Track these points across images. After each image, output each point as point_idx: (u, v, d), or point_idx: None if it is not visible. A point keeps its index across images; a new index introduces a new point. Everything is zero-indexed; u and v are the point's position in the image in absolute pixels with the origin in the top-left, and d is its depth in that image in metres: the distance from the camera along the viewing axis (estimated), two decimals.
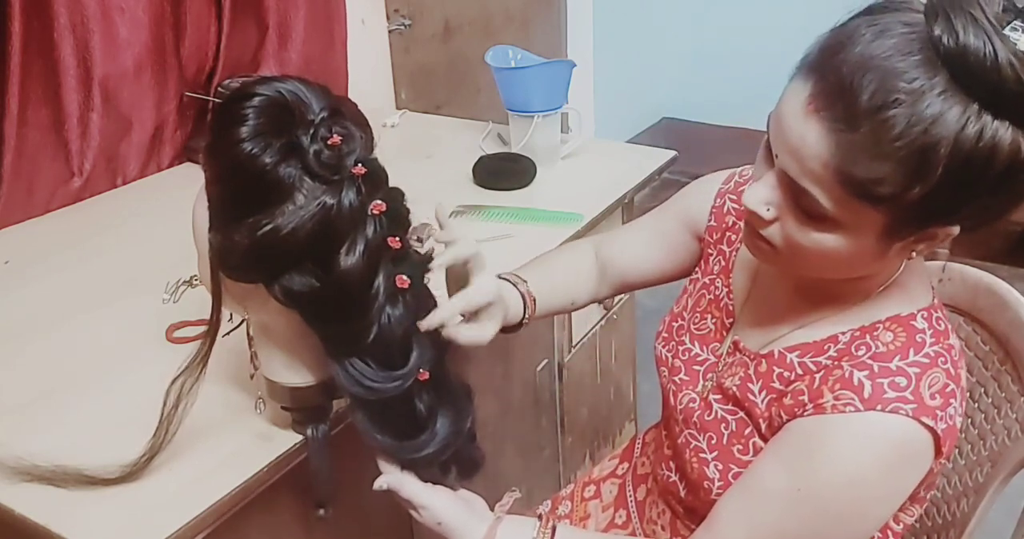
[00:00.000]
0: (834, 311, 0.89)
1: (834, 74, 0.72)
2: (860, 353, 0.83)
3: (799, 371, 0.88)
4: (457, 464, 0.96)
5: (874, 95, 0.70)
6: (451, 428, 0.92)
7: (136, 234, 1.54)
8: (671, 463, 1.05)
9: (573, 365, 1.72)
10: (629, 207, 1.76)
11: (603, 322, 1.80)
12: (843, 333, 0.87)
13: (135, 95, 1.70)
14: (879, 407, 0.79)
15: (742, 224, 0.92)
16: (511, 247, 1.43)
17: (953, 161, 0.70)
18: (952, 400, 0.81)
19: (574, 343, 1.71)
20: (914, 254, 0.82)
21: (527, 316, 1.06)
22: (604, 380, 1.88)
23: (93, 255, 1.46)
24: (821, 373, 0.85)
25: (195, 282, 1.32)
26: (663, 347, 1.07)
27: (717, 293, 1.03)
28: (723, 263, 1.04)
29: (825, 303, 0.89)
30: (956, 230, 0.78)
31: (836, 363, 0.84)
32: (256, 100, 0.79)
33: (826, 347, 0.87)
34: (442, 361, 0.92)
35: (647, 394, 2.09)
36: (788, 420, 0.85)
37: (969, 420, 1.14)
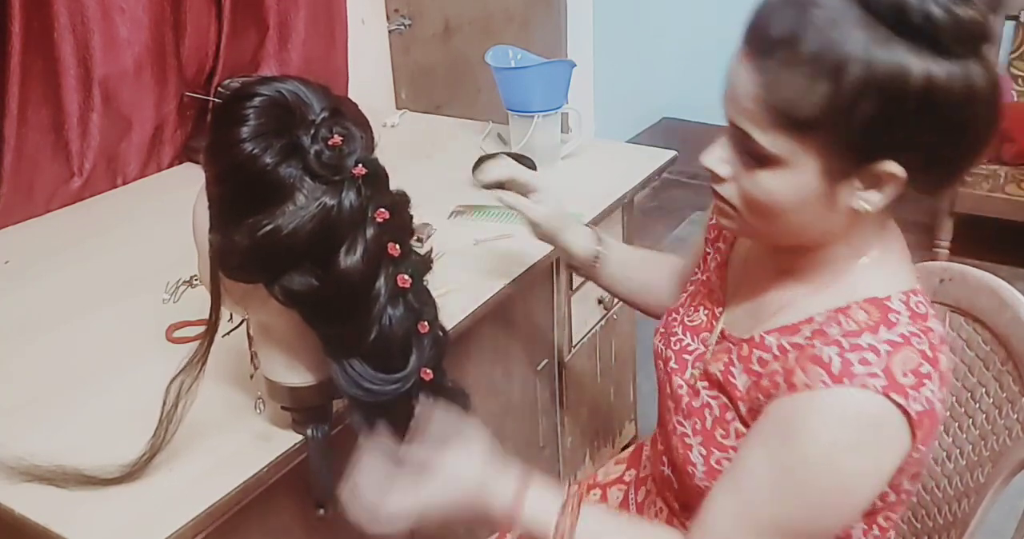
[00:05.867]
0: (811, 291, 0.89)
1: (758, 17, 0.80)
2: (832, 331, 0.84)
3: (776, 352, 0.89)
4: None
5: (789, 23, 0.77)
6: None
7: (136, 234, 1.54)
8: (664, 457, 1.06)
9: (573, 365, 1.72)
10: (629, 207, 1.76)
11: (603, 322, 1.80)
12: (819, 314, 0.87)
13: (135, 95, 1.70)
14: (847, 381, 0.79)
15: None
16: (511, 247, 1.43)
17: (866, 86, 0.74)
18: (928, 382, 0.80)
19: (574, 343, 1.71)
20: (865, 205, 0.81)
21: (597, 254, 1.22)
22: (604, 380, 1.88)
23: (93, 255, 1.46)
24: (795, 353, 0.86)
25: (195, 282, 1.32)
26: (660, 341, 1.09)
27: (711, 287, 1.05)
28: (719, 259, 1.06)
29: (802, 282, 0.90)
30: (897, 170, 0.78)
31: (810, 342, 0.85)
32: (257, 100, 0.79)
33: (802, 328, 0.88)
34: (440, 364, 0.92)
35: (647, 394, 2.08)
36: (767, 402, 0.86)
37: (970, 420, 1.14)
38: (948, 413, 1.18)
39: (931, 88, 0.74)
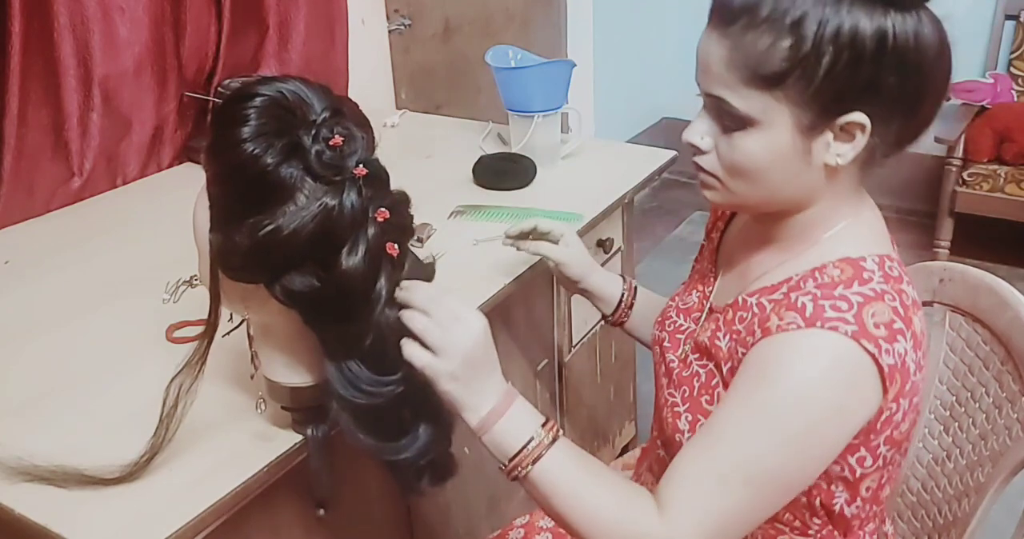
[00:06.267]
0: (791, 257, 0.92)
1: None
2: (807, 285, 0.87)
3: (755, 310, 0.91)
4: (431, 469, 0.95)
5: None
6: (433, 435, 0.92)
7: (136, 234, 1.54)
8: (658, 441, 1.08)
9: (573, 365, 1.72)
10: (629, 207, 1.76)
11: (603, 322, 1.80)
12: (797, 275, 0.90)
13: (135, 95, 1.70)
14: (819, 324, 0.82)
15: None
16: (511, 247, 1.43)
17: (823, 41, 0.80)
18: (900, 337, 0.82)
19: (574, 343, 1.71)
20: (838, 158, 0.86)
21: (625, 298, 1.27)
22: (604, 380, 1.88)
23: (93, 255, 1.46)
24: (772, 306, 0.88)
25: (195, 282, 1.32)
26: (656, 329, 1.11)
27: (704, 271, 1.08)
28: (711, 246, 1.09)
29: (783, 250, 0.94)
30: (863, 119, 0.83)
31: (785, 296, 0.88)
32: (257, 100, 0.79)
33: (780, 287, 0.90)
34: None
35: (647, 394, 2.08)
36: (745, 355, 0.88)
37: (970, 420, 1.15)
38: (948, 413, 1.18)
39: (884, 40, 0.80)
